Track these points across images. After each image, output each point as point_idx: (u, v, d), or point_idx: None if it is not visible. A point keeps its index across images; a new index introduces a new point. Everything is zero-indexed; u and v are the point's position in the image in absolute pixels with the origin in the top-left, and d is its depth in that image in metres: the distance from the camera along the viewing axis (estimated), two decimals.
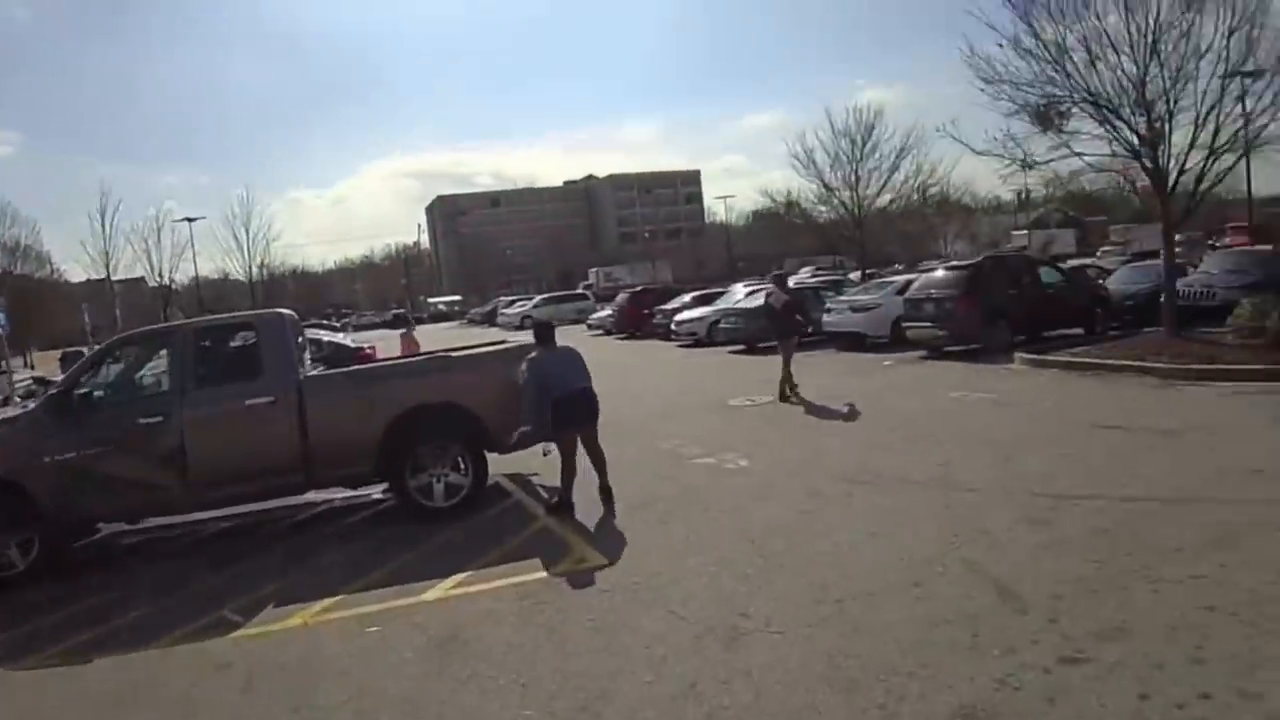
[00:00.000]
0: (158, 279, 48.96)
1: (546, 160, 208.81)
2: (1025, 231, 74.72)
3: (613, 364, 22.99)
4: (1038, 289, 19.26)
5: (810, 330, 18.44)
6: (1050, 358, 16.07)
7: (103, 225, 48.15)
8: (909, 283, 21.67)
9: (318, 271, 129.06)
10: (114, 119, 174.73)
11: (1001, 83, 17.31)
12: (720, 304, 28.68)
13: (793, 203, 33.60)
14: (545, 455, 9.21)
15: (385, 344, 22.25)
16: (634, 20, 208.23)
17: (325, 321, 73.03)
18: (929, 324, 18.42)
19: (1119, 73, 16.12)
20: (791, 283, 20.28)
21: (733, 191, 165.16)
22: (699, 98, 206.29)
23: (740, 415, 13.30)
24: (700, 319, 27.40)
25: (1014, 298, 18.51)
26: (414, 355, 19.64)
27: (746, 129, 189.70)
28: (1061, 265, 23.86)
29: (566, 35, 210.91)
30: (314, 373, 9.86)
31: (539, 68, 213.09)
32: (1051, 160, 18.05)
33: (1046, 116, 17.81)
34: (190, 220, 60.15)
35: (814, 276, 40.72)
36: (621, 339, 34.26)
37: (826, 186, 31.18)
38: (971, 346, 18.00)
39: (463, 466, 9.06)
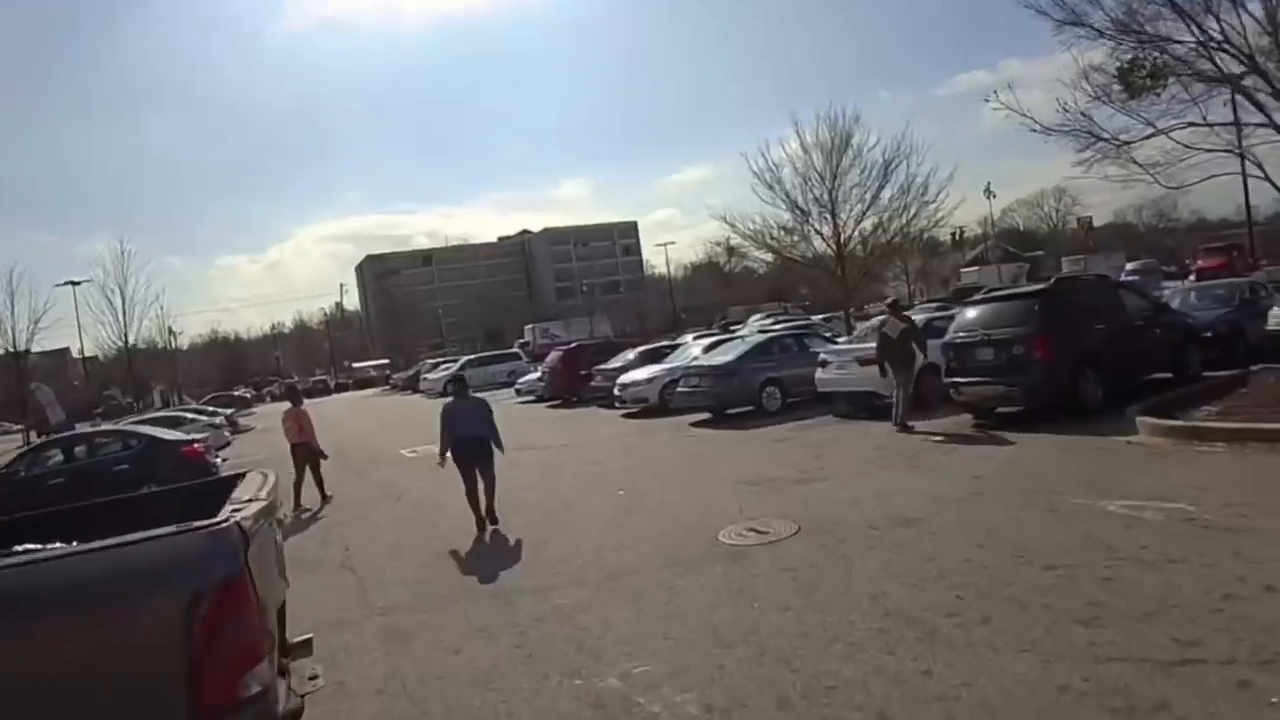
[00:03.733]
0: (8, 348, 41.34)
1: (481, 221, 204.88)
2: (975, 269, 69.95)
3: (532, 451, 16.97)
4: (1125, 323, 13.66)
5: (925, 359, 13.62)
6: (1192, 423, 10.51)
7: None
8: (929, 322, 16.14)
9: (244, 338, 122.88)
10: (37, 182, 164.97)
11: (1075, 25, 12.22)
12: (673, 360, 22.91)
13: (752, 235, 27.44)
14: None
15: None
16: (559, 82, 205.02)
17: (225, 396, 66.26)
18: (987, 379, 12.72)
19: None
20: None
21: (667, 245, 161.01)
22: (629, 154, 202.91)
23: (750, 575, 7.05)
24: (650, 381, 21.59)
25: (1100, 336, 12.92)
26: (301, 441, 14.28)
27: (678, 183, 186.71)
28: (1146, 290, 18.26)
29: (493, 98, 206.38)
30: None
31: (468, 131, 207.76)
32: (1135, 140, 13.07)
33: (1132, 76, 12.69)
34: (75, 284, 53.09)
35: (778, 322, 35.22)
36: (554, 407, 28.21)
37: (799, 209, 25.41)
38: (1045, 408, 12.41)
39: None
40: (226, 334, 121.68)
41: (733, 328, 40.26)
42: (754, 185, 25.98)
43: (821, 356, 16.99)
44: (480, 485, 10.40)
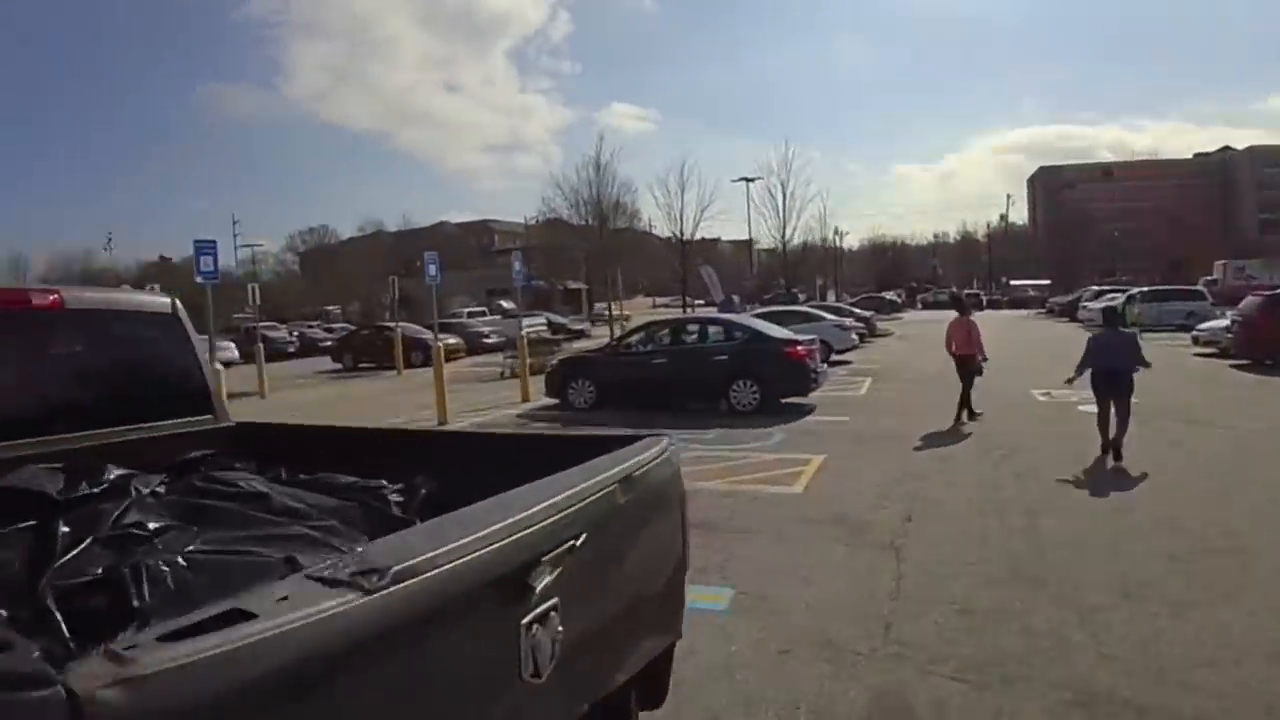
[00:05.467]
0: (674, 234, 45.98)
1: (1173, 134, 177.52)
2: None
3: (1200, 427, 12.87)
4: None
5: None
6: None
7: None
8: None
9: (908, 244, 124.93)
10: (732, 98, 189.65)
11: None
12: None
13: None
14: None
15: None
16: None
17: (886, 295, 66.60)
18: None
19: None
20: None
21: None
22: None
23: None
24: None
25: None
26: (967, 353, 14.18)
27: None
28: None
29: None
30: None
31: (1166, 33, 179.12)
32: None
33: None
34: (748, 180, 57.09)
35: None
36: (1240, 367, 22.16)
37: None
38: None
39: None
40: (892, 238, 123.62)
41: None
42: None
43: None
44: (1112, 413, 10.59)
